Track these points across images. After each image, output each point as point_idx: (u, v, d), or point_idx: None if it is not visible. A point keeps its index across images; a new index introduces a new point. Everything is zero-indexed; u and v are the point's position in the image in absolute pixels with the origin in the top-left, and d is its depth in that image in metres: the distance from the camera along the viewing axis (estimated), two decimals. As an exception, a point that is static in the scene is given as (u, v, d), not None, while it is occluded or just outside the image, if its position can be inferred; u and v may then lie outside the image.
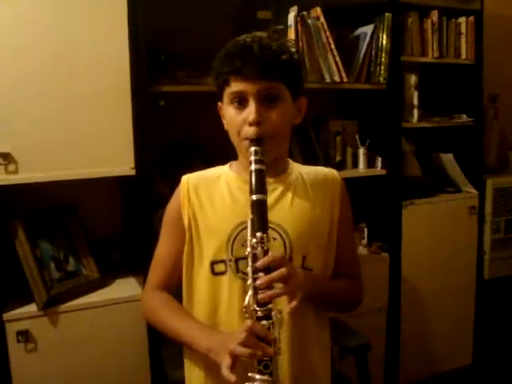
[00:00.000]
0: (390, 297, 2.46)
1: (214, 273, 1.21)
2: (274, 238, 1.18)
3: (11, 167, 1.70)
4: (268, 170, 1.17)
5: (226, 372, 1.01)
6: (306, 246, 1.21)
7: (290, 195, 1.24)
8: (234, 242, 1.19)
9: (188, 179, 1.29)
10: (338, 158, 2.38)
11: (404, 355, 2.53)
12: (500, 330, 2.84)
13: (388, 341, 2.50)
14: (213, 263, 1.21)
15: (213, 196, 1.26)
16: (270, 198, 1.20)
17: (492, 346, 2.82)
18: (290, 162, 1.32)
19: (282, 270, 1.05)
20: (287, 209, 1.23)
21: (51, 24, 1.72)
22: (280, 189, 1.24)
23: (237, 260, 1.19)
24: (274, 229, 1.18)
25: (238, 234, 1.19)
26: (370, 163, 2.40)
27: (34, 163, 1.74)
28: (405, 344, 2.53)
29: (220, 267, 1.21)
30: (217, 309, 1.20)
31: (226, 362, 1.03)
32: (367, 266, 2.29)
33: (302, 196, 1.25)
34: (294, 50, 1.21)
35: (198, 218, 1.25)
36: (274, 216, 1.18)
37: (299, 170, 1.31)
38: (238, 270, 1.19)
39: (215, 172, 1.32)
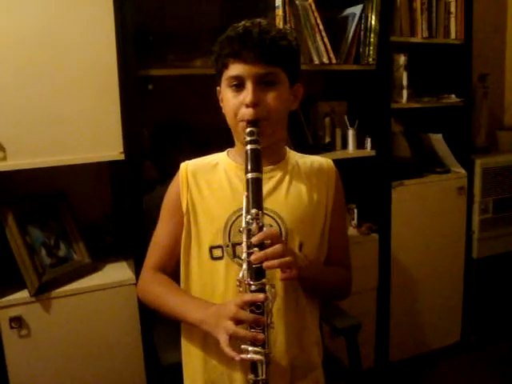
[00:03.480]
0: (380, 277, 2.48)
1: (213, 257, 1.22)
2: (271, 226, 1.19)
3: (-1, 154, 1.70)
4: (266, 158, 1.19)
5: (226, 349, 1.04)
6: (302, 234, 1.23)
7: (286, 183, 1.26)
8: (231, 227, 1.20)
9: (187, 166, 1.30)
10: (327, 140, 2.38)
11: (394, 334, 2.56)
12: (487, 308, 2.87)
13: (378, 320, 2.52)
14: (211, 248, 1.22)
15: (211, 183, 1.27)
16: (267, 186, 1.22)
17: (479, 323, 2.86)
18: (288, 150, 1.34)
19: (277, 247, 1.07)
20: (283, 197, 1.24)
21: (35, 6, 1.68)
22: (277, 177, 1.26)
23: (234, 245, 1.20)
24: (270, 216, 1.20)
25: (236, 219, 1.20)
26: (360, 144, 2.40)
27: (22, 150, 1.72)
28: (395, 323, 2.56)
29: (217, 252, 1.22)
30: (213, 293, 1.22)
31: (223, 339, 1.05)
32: (357, 246, 2.32)
33: (298, 184, 1.27)
34: (292, 37, 1.22)
35: (196, 203, 1.26)
36: (270, 204, 1.20)
37: (296, 158, 1.32)
38: (234, 255, 1.20)
39: (213, 159, 1.32)
